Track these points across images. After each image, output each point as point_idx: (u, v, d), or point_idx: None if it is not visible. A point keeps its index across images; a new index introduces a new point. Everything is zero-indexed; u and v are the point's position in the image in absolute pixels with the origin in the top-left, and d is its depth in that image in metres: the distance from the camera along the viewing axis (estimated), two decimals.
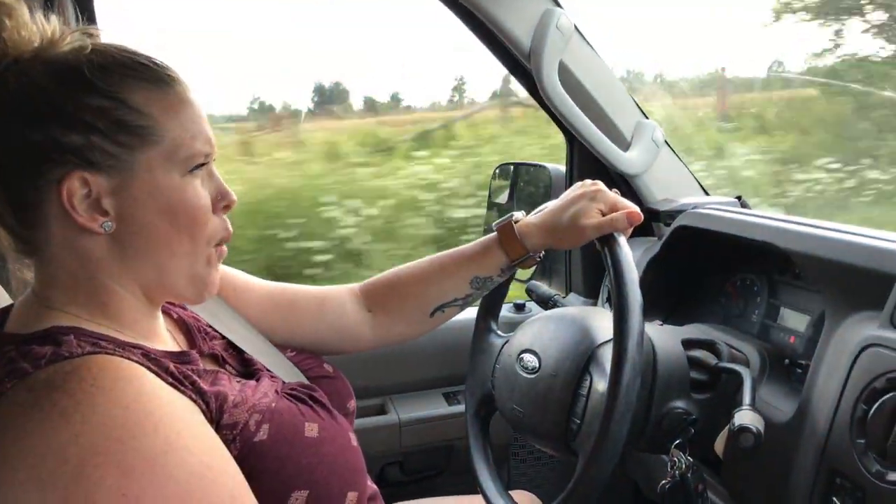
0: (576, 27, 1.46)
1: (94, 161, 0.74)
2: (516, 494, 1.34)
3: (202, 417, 0.75)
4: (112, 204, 0.75)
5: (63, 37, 0.78)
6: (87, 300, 0.79)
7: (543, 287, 1.40)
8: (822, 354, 1.01)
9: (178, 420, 0.70)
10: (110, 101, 0.74)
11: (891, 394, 0.85)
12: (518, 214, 1.10)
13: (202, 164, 0.80)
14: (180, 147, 0.77)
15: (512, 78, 1.57)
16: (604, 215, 1.02)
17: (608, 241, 0.99)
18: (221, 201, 0.83)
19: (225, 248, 0.86)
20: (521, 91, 1.55)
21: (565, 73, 1.47)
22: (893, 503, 0.83)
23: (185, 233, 0.79)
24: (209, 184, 0.82)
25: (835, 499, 0.91)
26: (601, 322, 1.08)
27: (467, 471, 1.19)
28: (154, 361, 0.75)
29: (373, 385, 1.67)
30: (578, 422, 1.01)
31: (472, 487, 1.17)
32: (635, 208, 1.02)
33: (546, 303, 1.38)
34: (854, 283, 1.00)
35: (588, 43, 1.51)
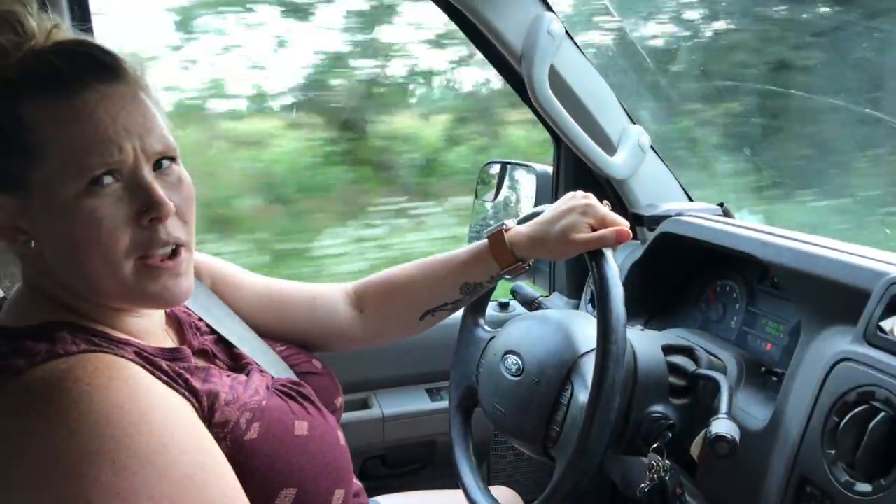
0: (567, 32, 1.47)
1: (1, 181, 0.75)
2: (496, 490, 1.37)
3: (195, 416, 0.77)
4: (27, 223, 0.76)
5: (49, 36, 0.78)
6: (69, 298, 0.80)
7: (528, 288, 1.42)
8: (798, 365, 1.04)
9: (173, 419, 0.71)
10: (6, 119, 0.73)
11: (861, 407, 0.88)
12: (509, 223, 1.10)
13: (102, 177, 0.74)
14: (71, 162, 0.72)
15: None
16: (594, 229, 1.03)
17: (596, 256, 1.00)
18: (147, 214, 0.76)
19: (179, 261, 0.80)
20: None
21: (555, 78, 1.48)
22: None
23: (92, 252, 0.75)
24: (131, 196, 0.76)
25: None
26: (585, 329, 1.10)
27: (449, 466, 1.21)
28: (147, 359, 0.76)
29: (357, 380, 1.68)
30: (558, 430, 1.03)
31: (454, 482, 1.20)
32: (625, 224, 1.03)
33: (531, 304, 1.40)
34: (830, 297, 1.02)
35: (578, 48, 1.52)
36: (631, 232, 1.03)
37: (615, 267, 1.00)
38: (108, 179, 0.74)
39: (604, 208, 1.06)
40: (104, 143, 0.73)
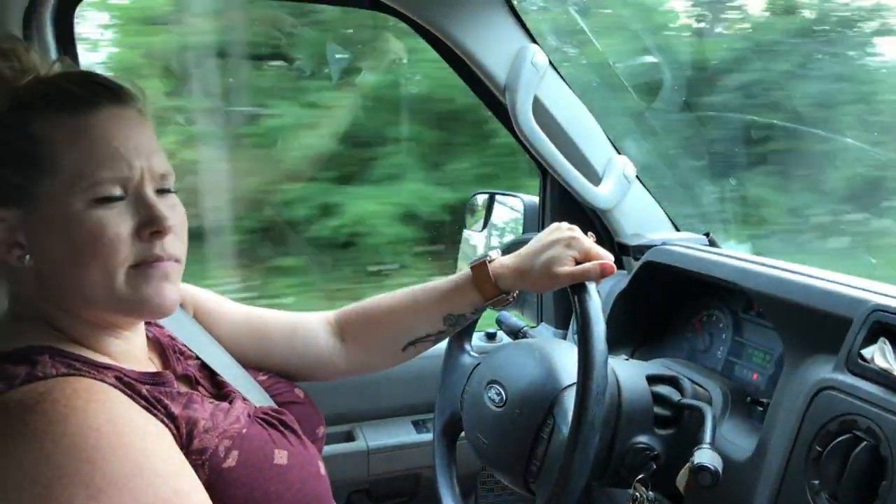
0: (551, 63, 1.49)
1: (4, 194, 0.76)
2: None
3: (172, 442, 0.76)
4: (25, 237, 0.76)
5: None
6: (50, 322, 0.80)
7: (513, 319, 1.41)
8: (782, 394, 1.03)
9: (149, 444, 0.71)
10: (15, 132, 0.76)
11: (844, 436, 0.88)
12: (493, 254, 1.09)
13: (113, 197, 0.77)
14: (82, 177, 0.75)
15: None
16: (578, 262, 1.02)
17: (579, 290, 0.99)
18: (148, 227, 0.79)
19: (169, 264, 0.81)
20: None
21: (539, 108, 1.49)
22: None
23: (92, 263, 0.76)
24: (134, 211, 0.78)
25: None
26: (568, 361, 1.08)
27: (435, 500, 1.19)
28: (127, 385, 0.76)
29: (341, 412, 1.66)
30: (539, 464, 1.02)
31: None
32: (609, 259, 1.01)
33: (516, 335, 1.39)
34: (812, 325, 1.02)
35: (563, 78, 1.54)
36: (615, 266, 1.01)
37: (598, 302, 0.98)
38: (116, 195, 0.77)
39: (588, 241, 1.05)
40: (116, 160, 0.77)
